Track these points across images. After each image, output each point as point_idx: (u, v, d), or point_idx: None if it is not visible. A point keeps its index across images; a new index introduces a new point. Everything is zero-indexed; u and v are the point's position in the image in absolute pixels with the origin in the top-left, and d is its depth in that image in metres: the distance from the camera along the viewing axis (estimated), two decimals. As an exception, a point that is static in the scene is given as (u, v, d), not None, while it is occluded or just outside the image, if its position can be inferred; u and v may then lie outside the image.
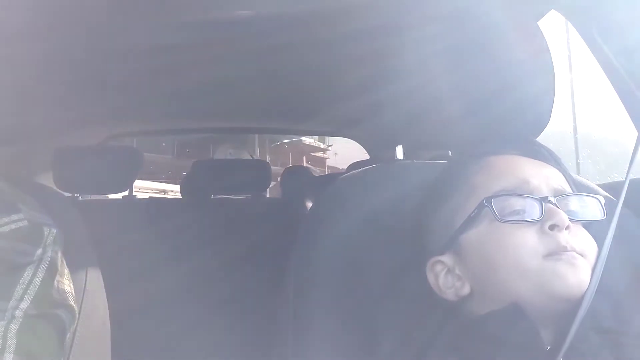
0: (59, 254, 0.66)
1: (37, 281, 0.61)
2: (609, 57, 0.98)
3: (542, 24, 1.09)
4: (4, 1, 0.99)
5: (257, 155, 8.79)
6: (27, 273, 0.61)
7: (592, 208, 0.56)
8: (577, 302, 0.49)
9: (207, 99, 1.87)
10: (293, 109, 2.08)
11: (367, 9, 1.13)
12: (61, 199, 0.84)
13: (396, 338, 0.56)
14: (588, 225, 0.56)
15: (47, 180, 1.67)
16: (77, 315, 0.67)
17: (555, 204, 0.53)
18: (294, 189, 2.40)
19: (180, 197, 2.29)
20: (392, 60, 0.77)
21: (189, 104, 1.93)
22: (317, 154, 12.27)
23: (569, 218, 0.52)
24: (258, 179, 1.92)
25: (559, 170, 0.59)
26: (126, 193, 1.92)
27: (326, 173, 4.73)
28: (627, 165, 0.61)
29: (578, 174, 0.74)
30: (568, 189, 0.57)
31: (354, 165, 2.00)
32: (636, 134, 0.73)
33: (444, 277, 0.57)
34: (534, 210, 0.53)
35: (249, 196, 1.94)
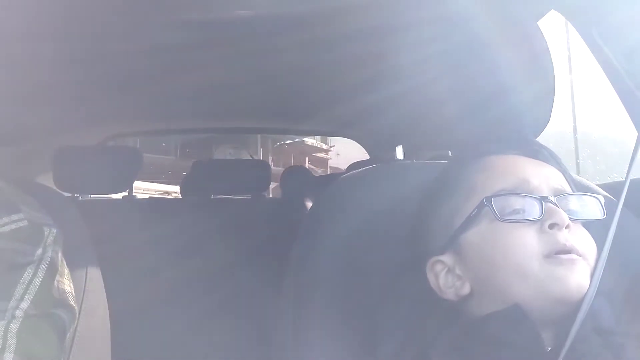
0: (59, 254, 0.66)
1: (38, 281, 0.61)
2: (609, 57, 0.98)
3: (542, 24, 1.09)
4: (4, 2, 0.99)
5: (260, 156, 8.80)
6: (28, 273, 0.61)
7: (592, 207, 0.56)
8: (577, 304, 0.49)
9: (207, 99, 1.88)
10: (293, 109, 2.08)
11: (367, 9, 1.13)
12: (61, 199, 0.84)
13: (397, 339, 0.56)
14: (588, 225, 0.56)
15: (47, 180, 1.67)
16: (77, 315, 0.67)
17: (555, 203, 0.53)
18: (293, 189, 2.40)
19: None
20: (392, 60, 0.77)
21: (189, 104, 1.94)
22: (319, 154, 12.27)
23: (569, 217, 0.52)
24: (258, 179, 1.92)
25: (559, 170, 0.59)
26: (126, 193, 1.92)
27: (328, 174, 4.73)
28: (627, 166, 0.61)
29: (578, 174, 0.74)
30: (568, 189, 0.57)
31: (354, 165, 2.00)
32: (636, 134, 0.73)
33: (444, 276, 0.57)
34: (533, 210, 0.53)
35: (248, 196, 1.94)
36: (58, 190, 1.44)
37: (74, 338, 0.67)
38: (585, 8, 0.99)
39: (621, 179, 0.69)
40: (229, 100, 1.91)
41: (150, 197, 2.14)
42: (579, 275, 0.50)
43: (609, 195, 0.67)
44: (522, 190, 0.54)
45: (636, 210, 0.68)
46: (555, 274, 0.50)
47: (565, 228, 0.52)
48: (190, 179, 2.14)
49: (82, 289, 0.73)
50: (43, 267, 0.62)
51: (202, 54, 1.40)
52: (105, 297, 0.80)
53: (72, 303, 0.66)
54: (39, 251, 0.63)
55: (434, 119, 0.75)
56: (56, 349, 0.60)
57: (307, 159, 11.23)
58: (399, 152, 2.20)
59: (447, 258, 0.57)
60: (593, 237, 0.55)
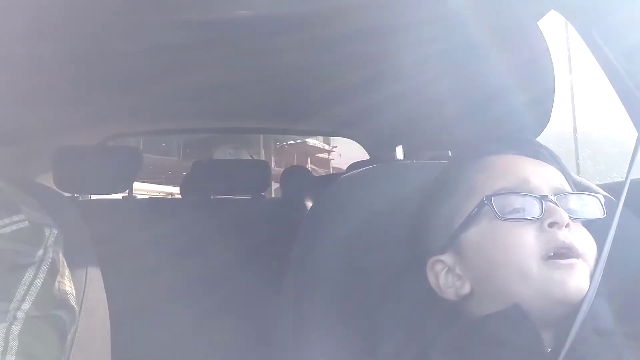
0: (60, 255, 0.66)
1: (39, 282, 0.61)
2: (609, 57, 0.98)
3: (542, 24, 1.09)
4: (4, 2, 0.99)
5: (262, 156, 8.79)
6: (29, 274, 0.61)
7: (592, 207, 0.56)
8: (577, 306, 0.49)
9: (208, 99, 1.87)
10: (293, 109, 2.08)
11: (367, 9, 1.13)
12: (61, 199, 0.84)
13: (397, 339, 0.56)
14: (588, 225, 0.56)
15: (47, 180, 1.67)
16: (77, 316, 0.67)
17: (555, 202, 0.53)
18: (293, 189, 2.40)
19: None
20: (392, 60, 0.77)
21: (189, 104, 1.94)
22: (321, 155, 12.27)
23: (569, 216, 0.52)
24: (258, 179, 1.92)
25: (559, 170, 0.59)
26: (126, 194, 1.92)
27: (328, 174, 4.73)
28: (627, 166, 0.61)
29: (578, 174, 0.74)
30: (568, 188, 0.57)
31: (354, 166, 2.00)
32: (636, 134, 0.73)
33: (444, 276, 0.57)
34: (534, 209, 0.53)
35: (248, 196, 1.94)
36: (58, 190, 1.44)
37: (74, 338, 0.67)
38: (585, 8, 0.99)
39: (621, 179, 0.69)
40: (229, 100, 1.91)
41: (150, 197, 2.14)
42: (578, 277, 0.50)
43: (609, 195, 0.67)
44: (522, 190, 0.55)
45: (636, 210, 0.68)
46: (554, 278, 0.50)
47: (565, 227, 0.52)
48: (190, 179, 2.13)
49: (82, 289, 0.73)
50: (44, 267, 0.62)
51: (202, 54, 1.40)
52: (105, 297, 0.80)
53: (73, 304, 0.65)
54: (40, 252, 0.63)
55: (434, 119, 0.75)
56: (57, 350, 0.60)
57: (309, 159, 11.23)
58: (399, 152, 2.20)
59: (447, 258, 0.57)
60: (593, 238, 0.55)
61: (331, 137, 9.92)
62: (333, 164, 11.66)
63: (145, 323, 1.46)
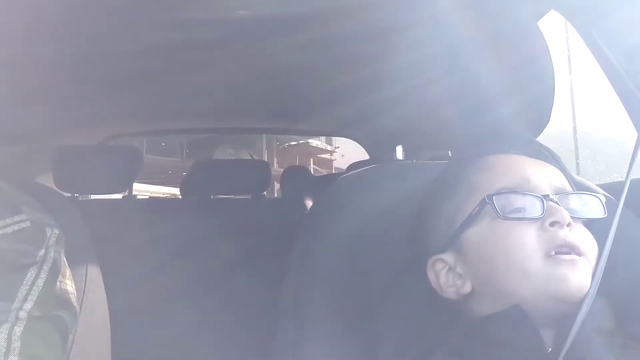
0: (62, 255, 0.66)
1: (41, 282, 0.61)
2: (609, 57, 0.98)
3: (542, 24, 1.09)
4: (4, 2, 0.99)
5: (265, 157, 8.80)
6: (30, 274, 0.61)
7: (592, 206, 0.56)
8: (578, 304, 0.49)
9: (208, 99, 1.88)
10: (293, 109, 2.08)
11: (367, 9, 1.13)
12: (62, 199, 0.84)
13: (397, 339, 0.56)
14: (589, 225, 0.56)
15: (47, 180, 1.67)
16: (78, 316, 0.67)
17: (556, 201, 0.53)
18: (293, 189, 2.40)
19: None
20: (392, 60, 0.77)
21: (189, 104, 1.94)
22: (324, 155, 12.29)
23: (570, 216, 0.52)
24: (258, 179, 1.92)
25: (560, 170, 0.59)
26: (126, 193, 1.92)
27: (328, 174, 4.73)
28: (627, 166, 0.61)
29: (578, 174, 0.74)
30: (569, 188, 0.57)
31: (354, 166, 2.00)
32: (636, 134, 0.73)
33: (445, 275, 0.56)
34: (535, 208, 0.53)
35: (248, 196, 1.94)
36: (58, 190, 1.44)
37: (74, 338, 0.67)
38: (585, 8, 0.99)
39: (621, 179, 0.69)
40: (229, 100, 1.91)
41: (150, 197, 2.14)
42: (580, 274, 0.50)
43: (609, 195, 0.67)
44: (523, 189, 0.54)
45: (636, 210, 0.68)
46: (556, 274, 0.50)
47: (567, 226, 0.52)
48: (190, 179, 2.14)
49: (82, 289, 0.73)
50: (46, 268, 0.62)
51: (202, 54, 1.40)
52: (105, 297, 0.80)
53: (74, 304, 0.66)
54: (42, 252, 0.63)
55: (434, 119, 0.75)
56: (59, 350, 0.60)
57: (311, 160, 11.24)
58: (399, 152, 2.20)
59: (448, 257, 0.57)
60: (593, 237, 0.55)
61: (334, 138, 9.94)
62: (335, 164, 11.67)
63: (145, 323, 1.46)
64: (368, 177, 0.74)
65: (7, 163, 1.72)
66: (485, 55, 0.70)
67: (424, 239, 0.60)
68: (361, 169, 0.76)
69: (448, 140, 0.78)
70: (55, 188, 1.42)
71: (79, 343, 0.68)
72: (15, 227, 0.62)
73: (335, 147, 11.79)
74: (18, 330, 0.56)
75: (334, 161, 11.94)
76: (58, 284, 0.63)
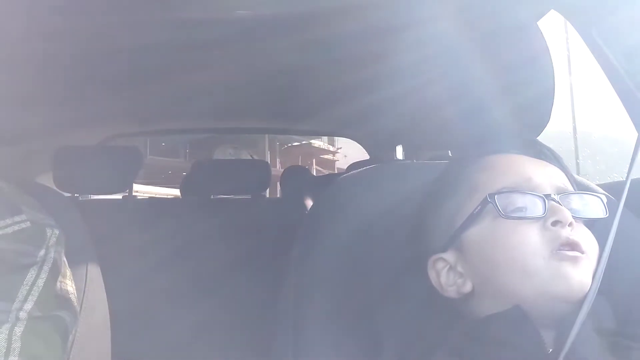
0: (62, 255, 0.66)
1: (41, 282, 0.61)
2: (609, 57, 0.98)
3: (542, 24, 1.09)
4: (4, 2, 0.99)
5: (267, 158, 8.79)
6: (31, 274, 0.61)
7: (594, 206, 0.56)
8: (579, 303, 0.49)
9: (208, 99, 1.88)
10: (293, 109, 2.08)
11: (367, 9, 1.13)
12: (62, 199, 0.84)
13: (398, 340, 0.56)
14: (590, 225, 0.56)
15: (47, 180, 1.67)
16: (78, 316, 0.67)
17: (558, 201, 0.53)
18: (293, 189, 2.40)
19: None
20: (392, 60, 0.77)
21: (189, 104, 1.94)
22: (326, 156, 12.30)
23: (571, 215, 0.52)
24: (258, 179, 1.92)
25: (561, 170, 0.59)
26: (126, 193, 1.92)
27: (328, 174, 4.74)
28: (627, 166, 0.61)
29: (578, 174, 0.74)
30: (570, 188, 0.57)
31: (354, 166, 2.00)
32: (636, 134, 0.73)
33: (446, 274, 0.56)
34: (536, 208, 0.53)
35: (248, 196, 1.94)
36: (58, 190, 1.44)
37: (74, 338, 0.67)
38: (585, 8, 0.99)
39: (621, 179, 0.69)
40: (229, 100, 1.91)
41: (150, 197, 2.14)
42: (583, 272, 0.50)
43: (609, 196, 0.67)
44: (524, 188, 0.54)
45: (636, 210, 0.68)
46: (559, 271, 0.50)
47: (568, 226, 0.52)
48: (190, 179, 2.14)
49: (82, 289, 0.73)
50: (46, 268, 0.62)
51: (202, 54, 1.40)
52: (105, 297, 0.80)
53: (75, 304, 0.66)
54: (42, 252, 0.63)
55: (434, 119, 0.75)
56: (59, 350, 0.60)
57: (314, 160, 11.25)
58: (399, 152, 2.20)
59: (448, 256, 0.57)
60: (594, 237, 0.55)
61: (336, 139, 9.95)
62: (338, 165, 11.68)
63: (145, 323, 1.46)
64: (368, 177, 0.74)
65: (7, 163, 1.72)
66: (485, 55, 0.70)
67: (425, 238, 0.60)
68: (361, 169, 0.76)
69: (448, 140, 0.78)
70: (55, 188, 1.42)
71: (79, 343, 0.68)
72: (16, 227, 0.62)
73: (338, 148, 11.81)
74: (18, 330, 0.56)
75: (337, 162, 11.95)
76: (58, 284, 0.63)
